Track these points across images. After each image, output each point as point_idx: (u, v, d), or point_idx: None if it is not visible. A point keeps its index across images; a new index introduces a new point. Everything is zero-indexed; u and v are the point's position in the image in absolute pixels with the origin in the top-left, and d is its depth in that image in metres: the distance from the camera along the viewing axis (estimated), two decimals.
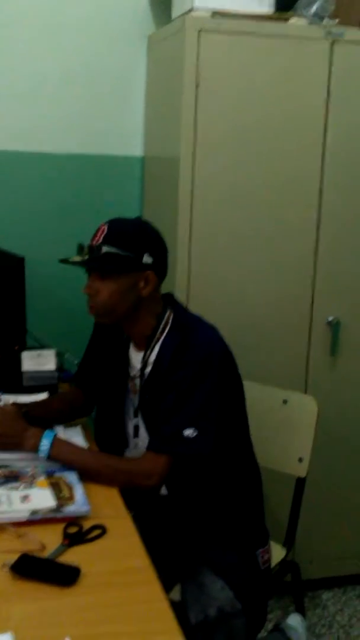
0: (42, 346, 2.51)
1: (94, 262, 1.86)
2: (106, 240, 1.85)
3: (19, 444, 1.83)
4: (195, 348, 1.84)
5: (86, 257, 1.87)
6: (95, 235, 1.89)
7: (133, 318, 1.92)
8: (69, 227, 2.84)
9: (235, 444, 1.99)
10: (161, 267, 1.91)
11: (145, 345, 1.95)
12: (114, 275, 1.85)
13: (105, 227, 1.88)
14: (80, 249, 1.90)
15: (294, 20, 2.51)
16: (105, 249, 1.83)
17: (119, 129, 2.91)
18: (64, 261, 1.90)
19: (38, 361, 2.39)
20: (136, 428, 2.01)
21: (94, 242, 1.87)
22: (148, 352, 1.94)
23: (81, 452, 1.88)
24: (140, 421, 2.00)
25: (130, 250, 1.84)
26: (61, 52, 2.80)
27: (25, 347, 2.44)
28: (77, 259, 1.88)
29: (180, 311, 1.99)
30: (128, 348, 2.02)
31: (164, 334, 1.93)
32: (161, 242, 1.92)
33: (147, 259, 1.85)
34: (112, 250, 1.83)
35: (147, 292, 1.88)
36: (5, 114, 2.80)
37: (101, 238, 1.86)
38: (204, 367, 1.83)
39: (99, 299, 1.87)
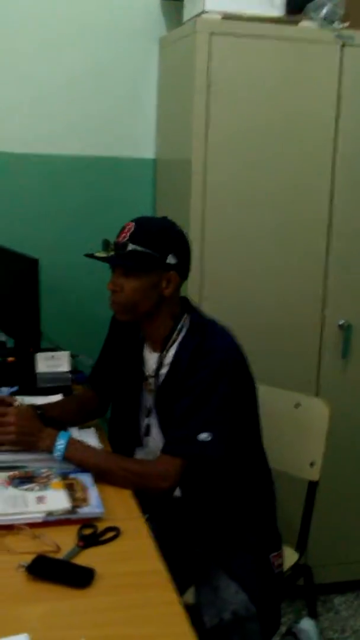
0: (56, 348, 2.52)
1: (120, 259, 1.86)
2: (132, 238, 1.85)
3: (34, 444, 1.83)
4: (213, 353, 1.85)
5: (112, 253, 1.88)
6: (121, 232, 1.89)
7: (152, 317, 1.93)
8: (82, 230, 2.85)
9: (248, 447, 1.99)
10: (184, 268, 1.92)
11: (161, 346, 1.95)
12: (138, 273, 1.86)
13: (133, 225, 1.88)
14: (106, 245, 1.90)
15: (304, 24, 2.52)
16: (131, 246, 1.84)
17: (130, 132, 2.92)
18: (90, 256, 1.90)
19: (52, 363, 2.40)
20: (148, 427, 2.02)
21: (120, 239, 1.87)
22: (164, 352, 1.94)
23: (96, 453, 1.88)
24: (152, 420, 2.00)
25: (156, 249, 1.85)
26: (74, 55, 2.81)
27: (40, 349, 2.45)
28: (103, 254, 1.89)
29: (197, 314, 2.00)
30: (142, 348, 2.03)
31: (181, 336, 1.94)
32: (186, 244, 1.93)
33: (171, 259, 1.87)
34: (138, 248, 1.84)
35: (169, 292, 1.89)
36: (19, 118, 2.81)
37: (128, 235, 1.86)
38: (220, 372, 1.83)
39: (122, 296, 1.88)
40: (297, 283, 2.64)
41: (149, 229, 1.88)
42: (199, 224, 2.50)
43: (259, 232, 2.58)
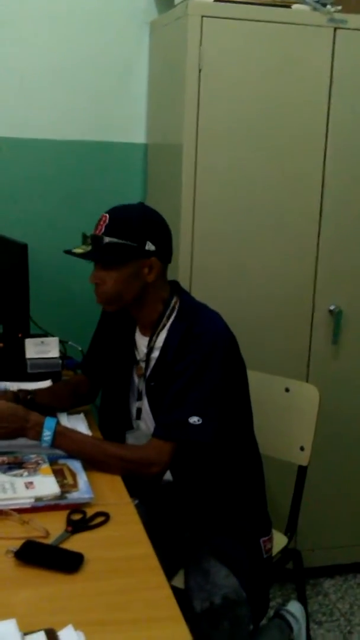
0: (45, 334, 2.51)
1: (97, 254, 1.86)
2: (108, 231, 1.85)
3: (23, 435, 1.82)
4: (202, 336, 1.85)
5: (89, 248, 1.87)
6: (97, 225, 1.89)
7: (140, 303, 1.93)
8: (72, 214, 2.84)
9: (238, 431, 1.99)
10: (165, 252, 1.92)
11: (151, 330, 1.95)
12: (118, 264, 1.86)
13: (107, 217, 1.88)
14: (84, 239, 1.91)
15: (297, 7, 2.50)
16: (107, 239, 1.84)
17: (121, 116, 2.90)
18: (68, 252, 1.91)
19: (42, 348, 2.39)
20: (139, 410, 2.02)
21: (96, 232, 1.87)
22: (154, 337, 1.94)
23: (84, 440, 1.87)
24: (144, 404, 2.00)
25: (132, 239, 1.85)
26: (63, 39, 2.79)
27: (29, 335, 2.44)
28: (80, 250, 1.89)
29: (187, 298, 2.00)
30: (134, 332, 2.03)
31: (171, 319, 1.94)
32: (163, 228, 1.92)
33: (149, 246, 1.86)
34: (114, 240, 1.84)
35: (152, 278, 1.89)
36: (8, 102, 2.79)
37: (103, 228, 1.86)
38: (209, 355, 1.83)
39: (105, 288, 1.88)
40: (287, 269, 2.64)
41: (124, 219, 1.88)
42: (190, 208, 2.49)
43: (250, 218, 2.57)
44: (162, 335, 1.94)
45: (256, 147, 2.52)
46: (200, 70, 2.41)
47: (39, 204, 2.87)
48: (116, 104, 2.88)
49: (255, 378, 2.12)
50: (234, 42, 2.43)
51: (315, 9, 2.48)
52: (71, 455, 1.81)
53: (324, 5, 2.48)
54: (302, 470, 2.28)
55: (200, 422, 1.80)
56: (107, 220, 1.87)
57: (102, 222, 1.88)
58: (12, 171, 2.84)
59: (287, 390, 2.32)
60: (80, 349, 2.46)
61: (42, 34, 2.76)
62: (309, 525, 2.74)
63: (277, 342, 2.68)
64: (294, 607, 2.20)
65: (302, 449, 2.26)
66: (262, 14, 2.44)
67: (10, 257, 2.45)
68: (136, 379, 2.02)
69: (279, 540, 2.19)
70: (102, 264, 1.88)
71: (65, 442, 1.81)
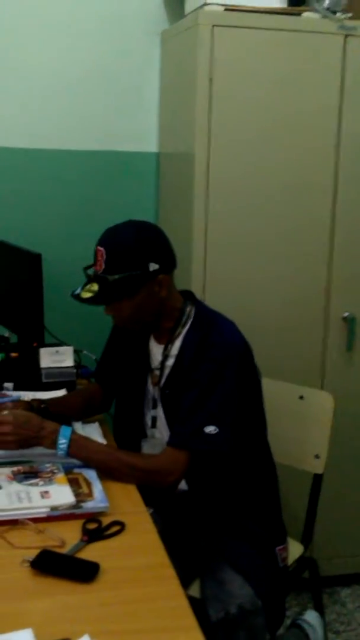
0: (60, 343, 2.52)
1: (106, 295, 1.85)
2: (109, 267, 1.84)
3: (38, 443, 1.81)
4: (217, 345, 1.85)
5: (95, 288, 1.86)
6: (95, 260, 1.88)
7: (157, 317, 1.94)
8: (85, 224, 2.85)
9: (253, 440, 1.99)
10: (168, 263, 1.90)
11: (166, 338, 1.96)
12: (129, 296, 1.86)
13: (103, 251, 1.85)
14: (88, 278, 1.90)
15: (307, 15, 2.50)
16: (110, 278, 1.83)
17: (133, 125, 2.91)
18: (76, 298, 1.89)
19: (56, 358, 2.40)
20: (154, 419, 2.02)
21: (97, 269, 1.86)
22: (169, 345, 1.95)
23: (100, 449, 1.87)
24: (159, 412, 2.00)
25: (135, 267, 1.83)
26: (75, 50, 2.81)
27: (44, 344, 2.45)
28: (88, 294, 1.87)
29: (202, 307, 2.00)
30: (148, 340, 2.03)
31: (186, 327, 1.94)
32: (160, 241, 1.90)
33: (153, 267, 1.85)
34: (118, 276, 1.83)
35: (164, 293, 1.89)
36: (21, 113, 2.81)
37: (103, 264, 1.85)
38: (225, 364, 1.83)
39: (122, 317, 1.91)
40: (301, 276, 2.63)
41: (120, 250, 1.85)
42: (202, 217, 2.50)
43: (263, 226, 2.57)
44: (177, 343, 1.94)
45: (268, 155, 2.52)
46: (211, 80, 2.42)
47: (52, 214, 2.88)
48: (128, 113, 2.90)
49: (269, 386, 2.11)
50: (244, 51, 2.44)
51: (325, 16, 2.49)
52: (86, 464, 1.81)
53: (334, 12, 2.49)
54: (317, 479, 2.27)
55: (216, 431, 1.80)
56: (104, 255, 1.85)
57: (100, 258, 1.86)
58: (25, 182, 2.85)
59: (301, 397, 2.31)
60: (94, 357, 2.47)
61: (53, 45, 2.79)
62: (325, 534, 2.72)
63: (291, 349, 2.68)
64: (311, 617, 2.18)
65: (317, 457, 2.24)
66: (272, 22, 2.45)
67: (24, 267, 2.46)
68: (151, 387, 2.02)
69: (295, 549, 2.17)
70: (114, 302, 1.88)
71: (81, 451, 1.81)
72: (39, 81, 2.80)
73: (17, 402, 2.05)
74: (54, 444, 1.79)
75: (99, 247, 1.87)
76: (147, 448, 2.04)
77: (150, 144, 2.94)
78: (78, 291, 1.90)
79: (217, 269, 2.54)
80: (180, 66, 2.67)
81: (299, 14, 2.50)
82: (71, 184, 2.89)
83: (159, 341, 2.00)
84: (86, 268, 1.93)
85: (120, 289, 1.84)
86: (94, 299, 1.86)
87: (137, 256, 1.84)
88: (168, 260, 1.91)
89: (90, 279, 1.89)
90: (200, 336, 1.89)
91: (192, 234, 2.49)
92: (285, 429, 2.27)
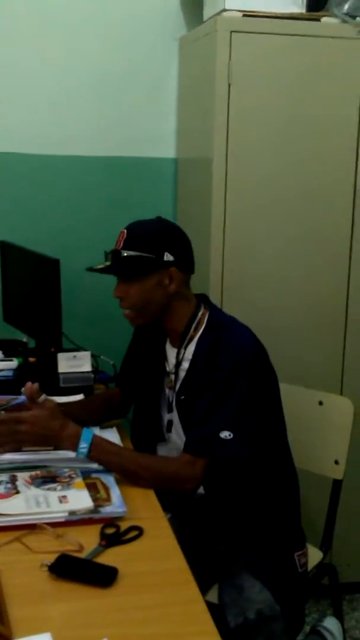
0: (77, 348, 2.53)
1: (115, 266, 1.90)
2: (126, 245, 1.90)
3: (57, 444, 1.83)
4: (231, 350, 1.85)
5: (108, 263, 1.92)
6: (117, 241, 1.94)
7: (166, 314, 1.95)
8: (103, 229, 2.83)
9: (272, 444, 1.98)
10: (185, 261, 1.93)
11: (179, 342, 1.96)
12: (138, 277, 1.89)
13: (125, 232, 1.93)
14: (106, 256, 1.95)
15: (326, 20, 2.50)
16: (124, 253, 1.88)
17: (151, 131, 2.92)
18: (90, 269, 1.96)
19: (74, 363, 2.41)
20: (169, 423, 2.02)
21: (116, 248, 1.92)
22: (182, 349, 1.95)
23: (120, 453, 1.88)
24: (174, 416, 2.00)
25: (150, 251, 1.88)
26: (94, 56, 2.82)
27: (62, 349, 2.46)
28: (101, 266, 1.94)
29: (216, 311, 2.00)
30: (165, 344, 2.04)
31: (199, 332, 1.94)
32: (181, 238, 1.95)
33: (168, 257, 1.88)
34: (132, 253, 1.88)
35: (173, 288, 1.90)
36: (39, 119, 2.82)
37: (122, 243, 1.91)
38: (239, 369, 1.83)
39: (128, 302, 1.92)
40: (320, 279, 2.62)
41: (141, 233, 1.92)
42: (221, 222, 2.50)
43: (281, 230, 2.56)
44: (191, 348, 1.94)
45: (286, 160, 2.52)
46: (229, 85, 2.42)
47: (70, 220, 2.89)
48: (146, 119, 2.91)
49: (288, 391, 2.10)
50: (263, 56, 2.44)
51: (344, 21, 2.48)
52: (105, 468, 1.81)
53: (354, 17, 2.49)
54: (337, 484, 2.25)
55: (231, 436, 1.80)
56: (125, 235, 1.92)
57: (121, 238, 1.92)
58: (44, 188, 2.87)
59: (320, 403, 2.30)
60: (112, 362, 2.47)
61: (71, 51, 2.80)
62: (345, 540, 2.70)
63: (310, 354, 2.67)
64: (331, 623, 2.16)
65: (336, 462, 2.23)
66: (291, 27, 2.44)
67: (42, 273, 2.47)
68: (167, 391, 2.02)
69: (314, 555, 2.16)
70: (123, 277, 1.91)
71: (101, 454, 1.81)
72: (57, 89, 2.82)
73: (47, 399, 2.03)
74: (73, 446, 1.80)
75: (123, 230, 1.94)
76: (162, 452, 2.05)
77: (168, 150, 2.95)
78: (93, 266, 1.96)
79: (235, 273, 2.53)
80: (198, 72, 2.67)
81: (318, 19, 2.50)
82: (89, 190, 2.90)
83: (173, 345, 2.00)
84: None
85: (131, 266, 1.88)
86: (104, 269, 1.92)
87: (154, 241, 1.89)
88: (185, 258, 1.93)
89: (106, 256, 1.94)
90: (213, 341, 1.89)
91: (210, 239, 2.49)
92: (305, 434, 2.26)
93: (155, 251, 1.88)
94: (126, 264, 1.89)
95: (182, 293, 1.94)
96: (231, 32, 2.39)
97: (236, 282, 2.54)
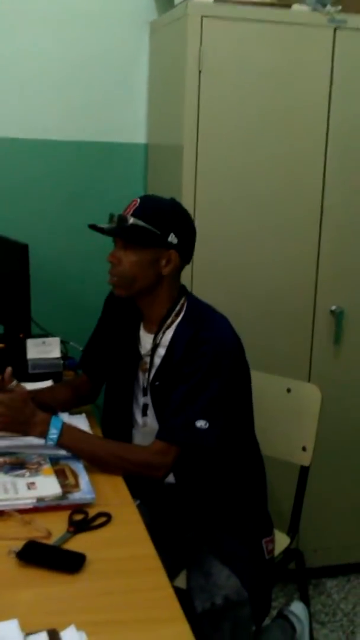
0: (46, 334, 2.51)
1: (119, 230, 1.88)
2: (135, 213, 1.87)
3: (27, 431, 1.81)
4: (210, 340, 1.85)
5: (114, 225, 1.89)
6: (127, 207, 1.91)
7: (150, 296, 1.93)
8: (73, 215, 2.83)
9: (240, 433, 1.99)
10: (186, 250, 1.93)
11: (157, 327, 1.95)
12: (137, 246, 1.87)
13: (137, 201, 1.90)
14: (111, 218, 1.92)
15: (297, 7, 2.50)
16: (132, 220, 1.86)
17: (121, 116, 2.90)
18: (92, 226, 1.92)
19: (43, 349, 2.39)
20: (145, 406, 2.02)
21: (124, 213, 1.89)
22: (160, 334, 1.94)
23: (89, 440, 1.88)
24: (148, 400, 2.00)
25: (157, 226, 1.86)
26: (64, 40, 2.79)
27: (30, 335, 2.44)
28: (105, 226, 1.90)
29: (194, 300, 2.00)
30: (139, 328, 2.02)
31: (178, 319, 1.94)
32: (189, 226, 1.94)
33: (172, 238, 1.87)
34: (139, 223, 1.86)
35: (167, 271, 1.89)
36: (9, 102, 2.79)
37: (132, 210, 1.88)
38: (217, 360, 1.83)
39: (120, 269, 1.89)
40: (289, 269, 2.64)
41: (153, 206, 1.91)
42: (191, 209, 2.47)
43: (250, 219, 2.57)
44: (169, 335, 1.94)
45: (256, 148, 2.52)
46: (200, 71, 2.41)
47: (39, 205, 2.87)
48: (117, 104, 2.88)
49: (257, 378, 2.11)
50: (233, 42, 2.43)
51: (315, 9, 2.49)
52: (74, 454, 1.81)
53: (324, 5, 2.49)
54: (304, 471, 2.27)
55: (207, 426, 1.80)
56: (137, 204, 1.89)
57: (132, 205, 1.90)
58: (13, 172, 2.83)
59: (288, 390, 2.32)
60: (81, 349, 2.46)
61: (41, 35, 2.76)
62: (311, 526, 2.73)
63: (279, 342, 2.68)
64: (297, 608, 2.19)
65: (304, 449, 2.25)
66: (262, 14, 2.44)
67: (11, 258, 2.45)
68: (141, 375, 2.02)
69: (281, 541, 2.18)
70: (123, 243, 1.89)
71: (71, 441, 1.80)
72: (27, 72, 2.78)
73: (18, 385, 2.02)
74: (43, 434, 1.79)
75: (136, 198, 1.91)
76: (138, 437, 2.04)
77: (138, 135, 2.93)
78: (96, 225, 1.93)
79: (204, 261, 2.53)
80: (169, 57, 2.66)
81: (288, 7, 2.49)
82: (59, 175, 2.88)
83: (148, 330, 1.99)
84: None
85: (133, 234, 1.86)
86: (106, 229, 1.89)
87: (164, 219, 1.88)
88: (187, 245, 1.93)
89: (112, 218, 1.92)
90: (193, 331, 1.88)
91: (194, 225, 2.48)
92: (273, 421, 2.27)
93: (162, 228, 1.86)
94: (130, 231, 1.86)
95: (171, 280, 1.93)
96: (202, 17, 2.38)
97: (205, 270, 2.54)
